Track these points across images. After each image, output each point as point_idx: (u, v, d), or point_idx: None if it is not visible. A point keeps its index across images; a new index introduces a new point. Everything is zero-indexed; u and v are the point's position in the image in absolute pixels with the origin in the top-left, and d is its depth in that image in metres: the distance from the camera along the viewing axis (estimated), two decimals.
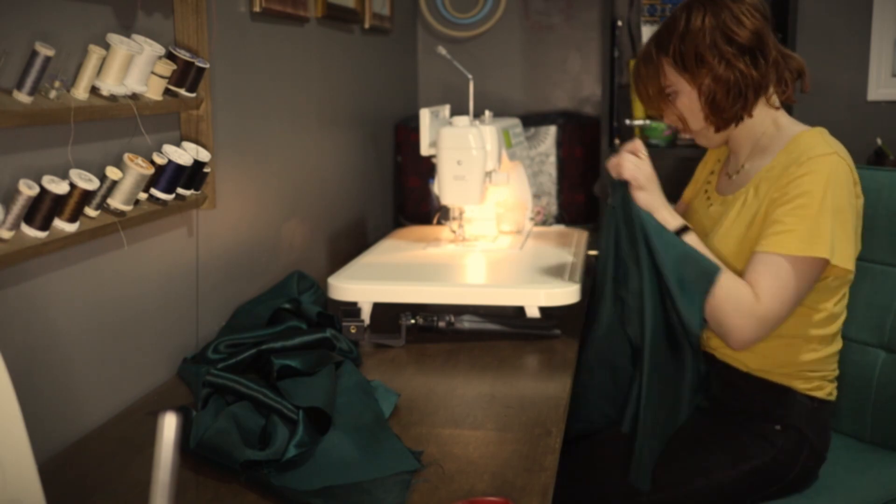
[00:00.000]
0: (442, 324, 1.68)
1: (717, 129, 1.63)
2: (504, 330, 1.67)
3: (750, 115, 1.60)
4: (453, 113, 2.25)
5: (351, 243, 2.33)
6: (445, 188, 1.98)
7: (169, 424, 0.64)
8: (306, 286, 1.79)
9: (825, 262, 1.48)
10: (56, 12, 1.14)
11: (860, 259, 1.79)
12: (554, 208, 2.78)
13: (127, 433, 1.24)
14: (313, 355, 1.41)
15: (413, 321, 1.66)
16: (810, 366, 1.58)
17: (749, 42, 1.55)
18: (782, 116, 1.63)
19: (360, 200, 2.46)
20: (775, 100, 1.62)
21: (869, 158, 2.78)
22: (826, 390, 1.61)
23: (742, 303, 1.49)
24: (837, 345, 1.62)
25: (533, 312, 1.67)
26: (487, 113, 2.15)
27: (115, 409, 1.31)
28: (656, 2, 2.77)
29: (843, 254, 1.48)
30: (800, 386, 1.58)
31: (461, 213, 2.07)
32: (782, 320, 1.51)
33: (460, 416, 1.30)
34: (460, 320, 1.68)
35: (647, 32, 2.78)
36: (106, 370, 1.29)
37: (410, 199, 2.79)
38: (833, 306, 1.58)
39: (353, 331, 1.60)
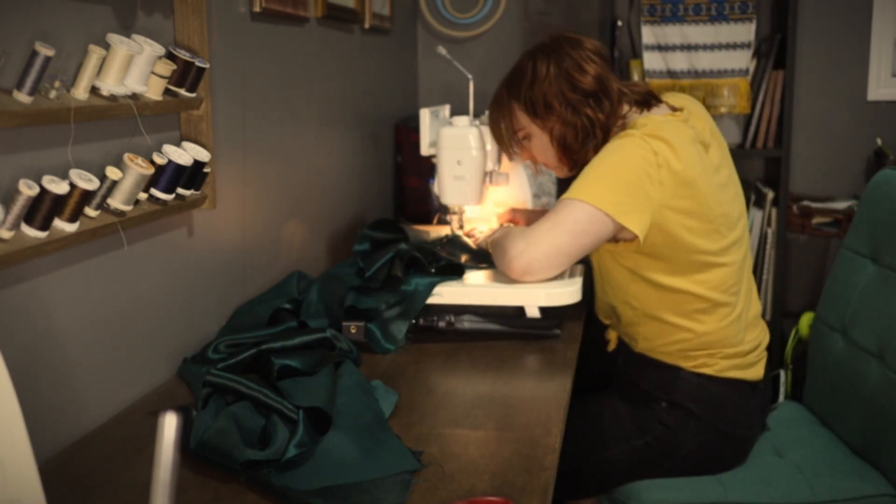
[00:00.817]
0: (442, 324, 1.68)
1: (571, 169, 1.72)
2: (504, 330, 1.67)
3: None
4: (453, 113, 2.25)
5: (351, 243, 2.32)
6: (445, 188, 1.98)
7: (169, 424, 0.64)
8: (306, 286, 1.79)
9: (597, 210, 1.51)
10: (56, 12, 1.14)
11: (887, 267, 1.75)
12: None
13: (127, 433, 1.24)
14: (313, 355, 1.41)
15: (413, 321, 1.66)
16: (689, 345, 1.65)
17: (592, 87, 1.64)
18: (631, 117, 1.67)
19: (360, 200, 2.46)
20: (632, 115, 1.67)
21: (869, 158, 2.79)
22: (716, 367, 1.66)
23: (513, 231, 1.67)
24: (722, 321, 1.64)
25: (533, 312, 1.67)
26: (488, 113, 2.15)
27: (115, 409, 1.31)
28: (656, 2, 2.77)
29: (618, 208, 1.51)
30: (684, 364, 1.66)
31: (461, 213, 2.07)
32: (558, 245, 1.55)
33: (460, 416, 1.30)
34: (460, 320, 1.68)
35: (647, 32, 2.78)
36: (106, 370, 1.29)
37: (410, 199, 2.79)
38: (688, 285, 1.60)
39: (353, 331, 1.60)
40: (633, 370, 1.72)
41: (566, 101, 1.64)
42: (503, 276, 1.74)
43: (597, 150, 1.65)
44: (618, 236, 1.58)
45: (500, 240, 1.68)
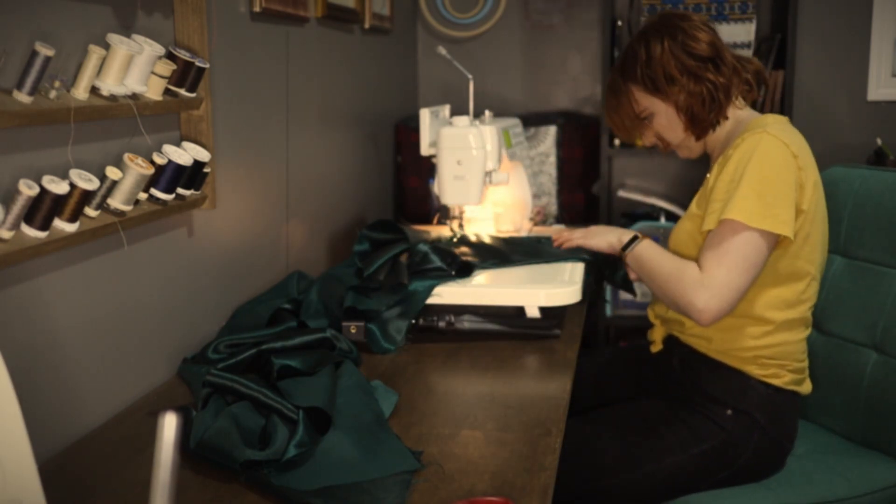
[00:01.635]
0: (442, 324, 1.68)
1: (698, 138, 1.71)
2: (504, 330, 1.67)
3: (726, 117, 1.69)
4: (453, 113, 2.25)
5: (351, 243, 2.32)
6: (445, 188, 1.98)
7: (169, 424, 0.64)
8: (306, 286, 1.79)
9: (760, 232, 1.51)
10: (56, 12, 1.14)
11: (861, 259, 1.81)
12: (554, 208, 2.78)
13: (127, 433, 1.24)
14: (313, 355, 1.41)
15: (413, 321, 1.66)
16: (767, 352, 1.62)
17: (708, 53, 1.65)
18: (744, 112, 1.70)
19: (360, 200, 2.46)
20: (741, 101, 1.70)
21: (869, 158, 2.79)
22: (784, 379, 1.64)
23: (686, 276, 1.57)
24: (799, 334, 1.65)
25: (533, 312, 1.67)
26: (487, 113, 2.16)
27: (115, 409, 1.31)
28: (656, 2, 2.77)
29: (773, 219, 1.51)
30: (755, 372, 1.63)
31: (461, 213, 2.07)
32: (738, 288, 1.53)
33: (460, 416, 1.30)
34: (460, 320, 1.68)
35: None
36: (106, 370, 1.29)
37: (410, 199, 2.79)
38: (787, 291, 1.60)
39: (353, 331, 1.60)
40: (697, 373, 1.67)
41: (686, 69, 1.65)
42: (503, 277, 1.74)
43: (719, 114, 1.67)
44: None
45: (672, 280, 1.60)
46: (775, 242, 1.55)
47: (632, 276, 1.79)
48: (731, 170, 1.56)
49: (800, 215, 1.56)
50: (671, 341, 1.74)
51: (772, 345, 1.62)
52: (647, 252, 1.69)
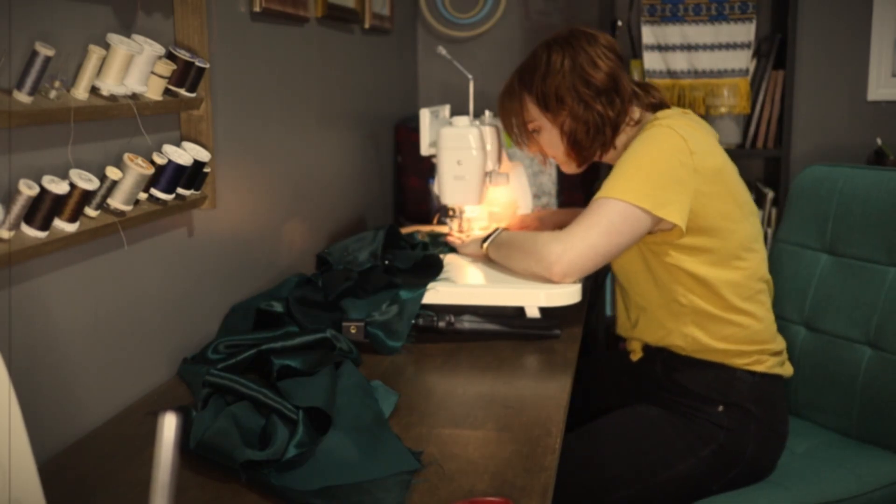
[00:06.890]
0: (442, 324, 1.68)
1: (579, 165, 1.74)
2: (504, 330, 1.67)
3: (614, 147, 1.69)
4: (453, 113, 2.25)
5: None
6: (445, 188, 1.99)
7: (169, 424, 0.64)
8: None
9: (632, 206, 1.52)
10: (56, 12, 1.14)
11: (850, 257, 1.82)
12: (554, 208, 2.77)
13: (127, 433, 1.24)
14: (313, 355, 1.41)
15: (413, 321, 1.66)
16: (741, 335, 1.63)
17: (604, 84, 1.65)
18: (646, 117, 1.70)
19: (360, 200, 2.46)
20: (636, 114, 1.70)
21: (869, 158, 2.79)
22: (767, 364, 1.65)
23: (543, 236, 1.63)
24: (761, 308, 1.66)
25: (533, 312, 1.67)
26: (487, 113, 2.16)
27: (115, 409, 1.31)
28: (656, 2, 2.77)
29: (654, 201, 1.51)
30: (738, 362, 1.63)
31: (461, 213, 2.07)
32: (594, 245, 1.54)
33: (460, 416, 1.30)
34: (460, 320, 1.68)
35: (647, 32, 2.78)
36: (106, 370, 1.29)
37: (410, 199, 2.79)
38: (734, 273, 1.61)
39: (353, 331, 1.60)
40: (681, 375, 1.66)
41: (578, 96, 1.64)
42: (503, 277, 1.74)
43: (604, 147, 1.67)
44: (654, 228, 1.57)
45: (527, 244, 1.65)
46: (653, 223, 1.54)
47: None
48: (622, 160, 1.58)
49: (703, 198, 1.55)
50: (650, 348, 1.74)
51: (743, 327, 1.63)
52: (506, 234, 1.75)
